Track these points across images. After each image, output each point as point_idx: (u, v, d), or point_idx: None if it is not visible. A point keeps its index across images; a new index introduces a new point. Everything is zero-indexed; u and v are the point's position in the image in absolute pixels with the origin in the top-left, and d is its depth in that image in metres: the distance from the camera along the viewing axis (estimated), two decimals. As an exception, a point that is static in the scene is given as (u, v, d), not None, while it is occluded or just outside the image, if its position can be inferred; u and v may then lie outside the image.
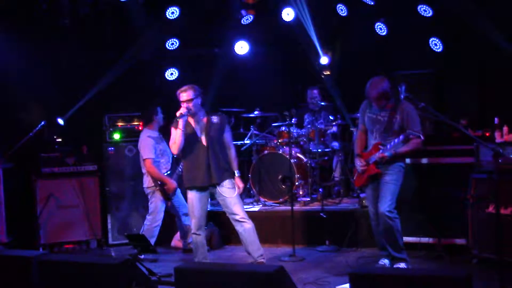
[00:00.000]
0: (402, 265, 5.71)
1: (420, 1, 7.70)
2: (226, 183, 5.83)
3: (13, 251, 5.42)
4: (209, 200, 6.19)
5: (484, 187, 5.83)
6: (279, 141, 8.06)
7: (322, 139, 8.13)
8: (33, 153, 7.58)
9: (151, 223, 6.90)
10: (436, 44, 7.69)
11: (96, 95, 8.15)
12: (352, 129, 7.91)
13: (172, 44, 8.80)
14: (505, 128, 6.10)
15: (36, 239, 7.43)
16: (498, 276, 4.64)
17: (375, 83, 5.64)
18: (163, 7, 8.51)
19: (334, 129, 8.16)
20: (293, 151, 7.77)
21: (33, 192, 7.50)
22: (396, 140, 5.52)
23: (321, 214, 7.09)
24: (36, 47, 7.96)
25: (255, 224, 5.87)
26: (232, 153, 5.97)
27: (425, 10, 7.69)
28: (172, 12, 8.52)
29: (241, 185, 5.93)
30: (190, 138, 5.80)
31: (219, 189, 5.81)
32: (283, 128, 8.04)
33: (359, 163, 5.85)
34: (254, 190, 7.95)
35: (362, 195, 7.02)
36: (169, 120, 5.86)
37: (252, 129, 8.36)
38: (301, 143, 8.13)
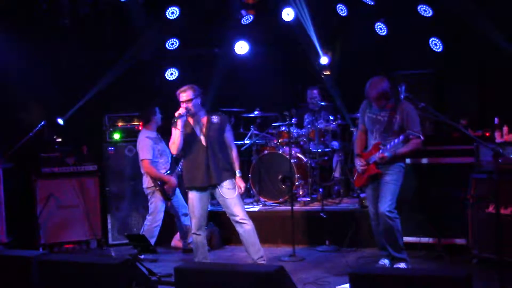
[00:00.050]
0: (402, 265, 5.71)
1: (420, 1, 7.70)
2: (226, 183, 5.79)
3: (13, 251, 5.43)
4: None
5: (484, 187, 5.83)
6: (279, 141, 8.06)
7: (322, 139, 8.13)
8: (33, 153, 7.58)
9: (151, 223, 6.90)
10: (436, 44, 7.69)
11: (96, 95, 8.15)
12: (352, 129, 7.92)
13: (172, 44, 8.80)
14: (505, 128, 6.10)
15: (36, 239, 7.43)
16: (498, 276, 4.64)
17: (375, 83, 5.64)
18: (163, 7, 8.51)
19: (333, 126, 8.16)
20: (293, 151, 7.77)
21: (33, 192, 7.50)
22: (396, 141, 5.52)
23: (321, 214, 7.09)
24: (36, 47, 7.96)
25: (255, 224, 5.85)
26: (234, 153, 5.93)
27: (425, 10, 7.69)
28: (172, 12, 8.52)
29: (242, 185, 5.89)
30: (189, 138, 5.79)
31: (219, 189, 5.79)
32: (283, 128, 8.04)
33: (359, 163, 5.85)
34: (254, 190, 7.95)
35: (362, 195, 7.02)
36: (168, 120, 5.84)
37: (252, 129, 8.36)
38: (301, 143, 8.13)
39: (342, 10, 8.28)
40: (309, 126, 8.20)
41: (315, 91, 8.41)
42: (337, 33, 8.95)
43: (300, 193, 7.92)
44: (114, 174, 7.87)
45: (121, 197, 7.85)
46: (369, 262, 6.21)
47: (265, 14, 8.84)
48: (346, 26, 8.55)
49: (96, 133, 8.01)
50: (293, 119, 7.97)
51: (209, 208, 6.02)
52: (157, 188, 6.86)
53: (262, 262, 5.80)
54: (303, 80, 8.89)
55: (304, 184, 7.91)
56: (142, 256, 6.12)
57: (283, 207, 7.64)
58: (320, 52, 8.50)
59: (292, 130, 7.94)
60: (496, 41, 6.99)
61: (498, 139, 6.10)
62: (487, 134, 6.33)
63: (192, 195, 5.83)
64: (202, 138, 5.78)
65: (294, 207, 6.83)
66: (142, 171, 6.95)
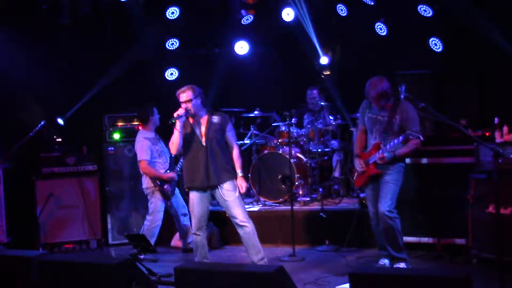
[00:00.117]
0: (402, 265, 5.71)
1: (420, 1, 7.70)
2: (227, 185, 5.75)
3: (13, 251, 5.43)
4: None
5: (484, 187, 5.83)
6: (279, 141, 8.06)
7: (321, 139, 8.13)
8: (33, 153, 7.58)
9: (151, 223, 6.90)
10: (436, 44, 7.69)
11: (96, 95, 8.15)
12: (352, 129, 7.92)
13: (172, 44, 8.80)
14: (505, 128, 6.10)
15: (36, 239, 7.43)
16: (498, 276, 4.64)
17: (375, 83, 5.64)
18: (163, 7, 8.51)
19: (333, 126, 8.17)
20: (293, 151, 7.77)
21: (33, 192, 7.50)
22: (395, 141, 5.52)
23: (321, 214, 7.10)
24: (36, 47, 7.97)
25: (255, 224, 5.84)
26: (235, 153, 5.86)
27: (425, 10, 7.69)
28: (172, 12, 8.52)
29: (243, 184, 5.83)
30: (189, 138, 5.78)
31: (219, 190, 5.76)
32: (283, 128, 8.05)
33: (358, 165, 5.85)
34: (254, 190, 7.95)
35: (362, 195, 7.01)
36: (167, 120, 5.82)
37: (252, 129, 8.36)
38: (301, 143, 8.13)
39: (342, 10, 8.27)
40: (309, 126, 8.20)
41: (314, 91, 8.41)
42: (337, 33, 8.95)
43: (300, 193, 7.92)
44: (114, 174, 7.88)
45: (121, 197, 7.86)
46: (369, 262, 6.21)
47: (265, 14, 8.84)
48: (346, 26, 8.55)
49: (96, 133, 8.02)
50: (293, 119, 7.97)
51: (209, 208, 6.00)
52: (156, 188, 6.86)
53: (263, 264, 5.79)
54: (303, 80, 8.88)
55: (304, 184, 7.91)
56: (142, 256, 6.12)
57: (283, 207, 7.64)
58: (320, 52, 8.50)
59: (292, 130, 7.94)
60: (496, 41, 6.99)
61: (498, 139, 6.09)
62: (487, 134, 6.33)
63: (192, 195, 5.82)
64: (202, 138, 5.75)
65: (294, 207, 6.84)
66: (141, 172, 6.95)
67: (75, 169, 7.70)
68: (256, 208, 7.68)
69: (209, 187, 5.76)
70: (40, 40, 8.04)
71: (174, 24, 8.61)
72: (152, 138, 6.99)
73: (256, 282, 3.75)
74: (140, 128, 7.20)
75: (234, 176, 5.82)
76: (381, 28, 8.11)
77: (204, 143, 5.73)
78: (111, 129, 7.93)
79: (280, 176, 7.70)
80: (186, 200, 7.20)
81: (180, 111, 5.66)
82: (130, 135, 7.81)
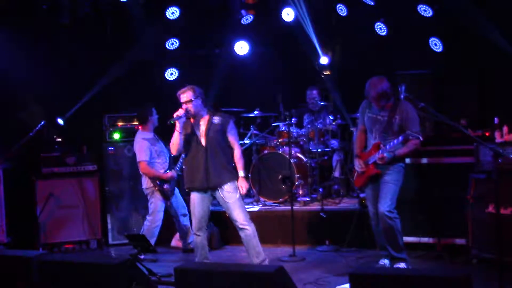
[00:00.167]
0: (402, 265, 5.71)
1: (420, 1, 7.70)
2: (227, 186, 5.70)
3: (13, 251, 5.42)
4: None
5: (484, 187, 5.83)
6: (279, 141, 8.06)
7: (321, 139, 8.13)
8: (33, 153, 7.58)
9: (151, 223, 6.90)
10: (436, 44, 7.69)
11: (96, 95, 8.15)
12: (352, 129, 7.92)
13: (172, 44, 8.80)
14: (505, 128, 6.10)
15: (36, 239, 7.43)
16: (498, 276, 4.64)
17: (375, 83, 5.64)
18: (163, 7, 8.51)
19: (333, 126, 8.18)
20: (293, 151, 7.77)
21: (33, 192, 7.51)
22: (395, 141, 5.52)
23: (321, 214, 7.10)
24: (36, 47, 7.97)
25: (255, 224, 5.81)
26: (237, 153, 5.80)
27: (425, 10, 7.68)
28: (172, 12, 8.52)
29: (244, 185, 5.76)
30: (190, 139, 5.76)
31: (220, 192, 5.71)
32: (283, 128, 8.05)
33: (358, 165, 5.85)
34: (254, 190, 7.95)
35: (362, 195, 7.01)
36: (167, 120, 5.81)
37: (252, 129, 8.36)
38: (301, 143, 8.13)
39: (342, 10, 8.27)
40: (308, 126, 8.20)
41: (314, 91, 8.41)
42: (337, 33, 8.95)
43: (300, 193, 7.92)
44: (114, 174, 7.88)
45: (121, 197, 7.86)
46: (369, 262, 6.21)
47: (265, 14, 8.84)
48: (346, 26, 8.55)
49: (96, 133, 8.02)
50: (293, 119, 7.97)
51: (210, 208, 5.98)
52: (156, 188, 6.86)
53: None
54: (303, 80, 8.89)
55: (304, 184, 7.91)
56: (142, 256, 6.12)
57: (283, 207, 7.64)
58: (320, 52, 8.50)
59: (292, 130, 7.94)
60: (496, 41, 6.99)
61: (498, 139, 6.10)
62: (487, 134, 6.33)
63: (193, 195, 5.80)
64: (202, 139, 5.72)
65: (294, 207, 6.84)
66: (141, 172, 6.95)
67: (75, 169, 7.71)
68: (256, 208, 7.68)
69: (209, 188, 5.73)
70: (40, 40, 8.04)
71: (174, 24, 8.61)
72: (151, 138, 6.98)
73: (256, 282, 3.75)
74: (141, 128, 7.20)
75: (235, 177, 5.77)
76: (381, 28, 8.11)
77: (204, 144, 5.71)
78: (111, 129, 7.93)
79: (280, 176, 7.70)
80: (186, 200, 7.22)
81: (180, 112, 5.65)
82: (130, 135, 7.80)
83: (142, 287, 4.47)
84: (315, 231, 7.15)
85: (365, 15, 8.22)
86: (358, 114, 6.15)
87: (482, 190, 5.86)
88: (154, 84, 9.05)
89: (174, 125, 5.70)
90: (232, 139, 5.80)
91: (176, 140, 5.71)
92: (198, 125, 5.78)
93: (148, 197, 6.97)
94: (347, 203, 7.66)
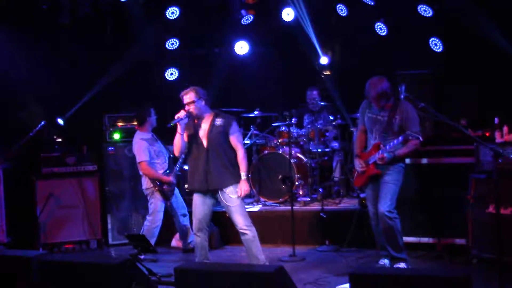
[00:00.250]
0: (402, 265, 5.71)
1: (420, 1, 7.70)
2: (229, 190, 5.64)
3: (13, 251, 5.42)
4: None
5: (484, 187, 5.83)
6: (279, 141, 8.06)
7: (322, 139, 8.13)
8: (33, 153, 7.58)
9: (151, 223, 6.90)
10: (436, 44, 7.69)
11: (96, 95, 8.15)
12: (352, 129, 7.92)
13: (172, 44, 8.80)
14: (505, 128, 6.10)
15: (36, 239, 7.43)
16: (498, 276, 4.64)
17: (374, 83, 5.64)
18: (163, 7, 8.51)
19: (335, 131, 8.19)
20: (293, 151, 7.77)
21: (33, 192, 7.50)
22: (395, 141, 5.52)
23: (321, 214, 7.10)
24: (36, 47, 7.97)
25: (255, 224, 5.79)
26: (239, 155, 5.68)
27: (425, 10, 7.69)
28: (172, 12, 8.52)
29: (244, 188, 5.62)
30: (192, 140, 5.72)
31: (221, 195, 5.67)
32: (283, 128, 8.05)
33: (358, 164, 5.85)
34: (254, 190, 7.95)
35: (362, 195, 7.01)
36: (166, 121, 5.80)
37: (252, 129, 8.36)
38: (301, 143, 8.13)
39: (342, 10, 8.27)
40: (309, 126, 8.20)
41: (314, 92, 8.42)
42: (337, 33, 8.95)
43: (300, 193, 7.92)
44: (114, 174, 7.87)
45: (121, 197, 7.86)
46: (369, 262, 6.21)
47: (265, 14, 8.84)
48: (346, 26, 8.55)
49: (96, 133, 8.01)
50: (293, 119, 7.97)
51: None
52: (156, 189, 6.85)
53: None
54: (303, 80, 8.89)
55: (304, 184, 7.91)
56: (142, 256, 6.11)
57: (283, 207, 7.64)
58: (320, 52, 8.50)
59: (292, 130, 7.94)
60: (496, 41, 6.99)
61: (498, 139, 6.10)
62: (487, 134, 6.33)
63: (195, 196, 5.78)
64: (204, 140, 5.67)
65: (294, 207, 6.84)
66: (140, 173, 6.95)
67: (75, 169, 7.70)
68: (256, 208, 7.68)
69: (209, 190, 5.69)
70: (40, 40, 8.04)
71: (174, 24, 8.61)
72: (149, 138, 6.98)
73: (256, 282, 3.75)
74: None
75: (238, 180, 5.67)
76: (381, 28, 8.12)
77: (205, 145, 5.67)
78: (111, 129, 7.92)
79: (280, 176, 7.69)
80: (186, 200, 7.22)
81: (181, 114, 5.61)
82: (130, 135, 7.76)
83: (142, 287, 4.47)
84: (315, 231, 7.15)
85: (365, 15, 8.22)
86: (358, 114, 6.15)
87: (482, 190, 5.86)
88: (154, 84, 9.06)
89: (175, 127, 5.66)
90: (235, 140, 5.71)
91: (178, 142, 5.69)
92: (201, 126, 5.73)
93: (148, 198, 6.97)
94: (347, 203, 7.66)
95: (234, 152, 5.71)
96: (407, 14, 7.88)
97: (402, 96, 5.77)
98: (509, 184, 5.51)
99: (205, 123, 5.73)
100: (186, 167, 7.20)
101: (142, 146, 6.87)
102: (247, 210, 5.97)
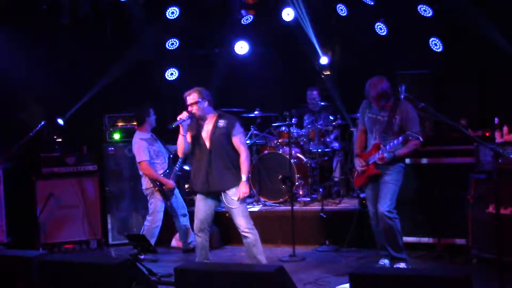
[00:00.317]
0: (402, 265, 5.71)
1: (420, 1, 7.69)
2: (232, 192, 5.60)
3: (13, 251, 5.42)
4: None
5: (484, 187, 5.84)
6: (279, 141, 8.06)
7: (322, 139, 8.13)
8: (33, 153, 7.58)
9: (151, 223, 6.90)
10: (436, 44, 7.69)
11: (96, 95, 8.15)
12: (352, 129, 7.92)
13: (172, 44, 8.80)
14: (505, 128, 6.10)
15: (36, 239, 7.43)
16: (498, 276, 4.64)
17: (375, 83, 5.64)
18: (163, 7, 8.51)
19: (336, 132, 8.19)
20: (293, 151, 7.77)
21: (33, 192, 7.51)
22: (395, 141, 5.52)
23: (321, 214, 7.10)
24: (36, 47, 7.97)
25: (255, 225, 5.76)
26: (242, 156, 5.62)
27: (425, 10, 7.68)
28: (172, 12, 8.51)
29: (243, 190, 5.55)
30: (195, 141, 5.68)
31: (223, 197, 5.64)
32: (283, 128, 8.05)
33: (358, 164, 5.85)
34: (254, 190, 7.94)
35: (362, 195, 7.01)
36: (166, 121, 5.78)
37: (252, 129, 8.36)
38: (301, 143, 8.14)
39: (342, 10, 8.27)
40: (309, 126, 8.20)
41: (314, 92, 8.42)
42: (337, 33, 8.95)
43: (300, 193, 7.92)
44: (114, 174, 7.87)
45: (121, 197, 7.86)
46: (369, 262, 6.21)
47: (265, 14, 8.83)
48: (346, 26, 8.54)
49: (96, 133, 8.01)
50: (293, 119, 7.97)
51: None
52: (156, 189, 6.85)
53: None
54: (303, 80, 8.89)
55: (304, 184, 7.91)
56: (142, 256, 6.11)
57: (283, 207, 7.64)
58: (320, 52, 8.50)
59: (292, 130, 7.94)
60: (496, 41, 6.99)
61: (498, 139, 6.10)
62: (487, 134, 6.33)
63: (198, 197, 5.76)
64: (207, 141, 5.64)
65: (294, 207, 6.84)
66: (140, 173, 6.95)
67: (75, 169, 7.71)
68: (256, 208, 7.68)
69: (211, 192, 5.66)
70: (40, 40, 8.04)
71: (174, 24, 8.60)
72: (148, 138, 6.97)
73: (256, 282, 3.75)
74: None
75: (240, 182, 5.63)
76: (381, 28, 8.11)
77: (208, 146, 5.63)
78: (111, 129, 7.92)
79: (280, 176, 7.70)
80: (186, 200, 7.22)
81: (183, 115, 5.56)
82: (130, 135, 7.75)
83: (142, 287, 4.47)
84: (315, 231, 7.15)
85: (365, 15, 8.22)
86: (358, 114, 6.15)
87: (482, 190, 5.86)
88: (154, 84, 9.06)
89: (177, 128, 5.61)
90: (237, 142, 5.65)
91: (180, 143, 5.65)
92: (204, 127, 5.70)
93: (148, 198, 6.97)
94: (347, 203, 7.66)
95: (237, 153, 5.65)
96: (407, 14, 7.88)
97: (402, 96, 5.77)
98: (509, 184, 5.51)
99: (208, 124, 5.69)
100: (186, 167, 7.25)
101: (141, 146, 6.87)
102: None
